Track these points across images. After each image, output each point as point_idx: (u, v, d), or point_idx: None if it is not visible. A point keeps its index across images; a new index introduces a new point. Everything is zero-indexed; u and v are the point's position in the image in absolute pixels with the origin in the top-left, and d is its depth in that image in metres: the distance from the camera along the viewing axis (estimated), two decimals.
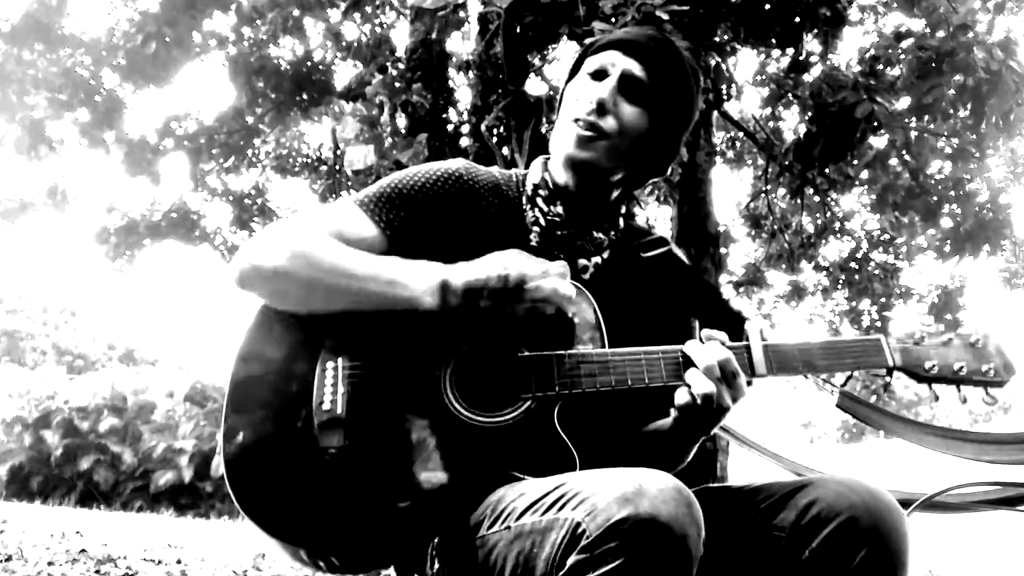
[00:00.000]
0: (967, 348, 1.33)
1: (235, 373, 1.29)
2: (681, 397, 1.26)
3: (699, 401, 1.24)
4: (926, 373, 1.32)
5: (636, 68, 1.42)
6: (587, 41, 1.51)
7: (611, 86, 1.41)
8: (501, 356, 1.29)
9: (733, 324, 1.36)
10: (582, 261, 1.47)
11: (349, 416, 1.23)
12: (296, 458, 1.21)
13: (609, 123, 1.40)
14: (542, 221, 1.46)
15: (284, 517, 1.19)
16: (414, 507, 1.17)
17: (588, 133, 1.39)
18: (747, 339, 1.32)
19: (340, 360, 1.27)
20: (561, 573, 0.99)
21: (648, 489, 0.97)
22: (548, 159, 1.52)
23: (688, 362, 1.28)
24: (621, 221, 1.53)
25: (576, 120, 1.41)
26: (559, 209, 1.46)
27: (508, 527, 1.10)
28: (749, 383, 1.28)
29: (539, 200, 1.47)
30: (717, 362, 1.24)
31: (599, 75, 1.44)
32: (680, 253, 1.59)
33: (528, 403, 1.26)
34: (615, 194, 1.51)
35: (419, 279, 1.26)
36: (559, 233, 1.46)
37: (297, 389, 1.26)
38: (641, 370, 1.28)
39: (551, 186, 1.48)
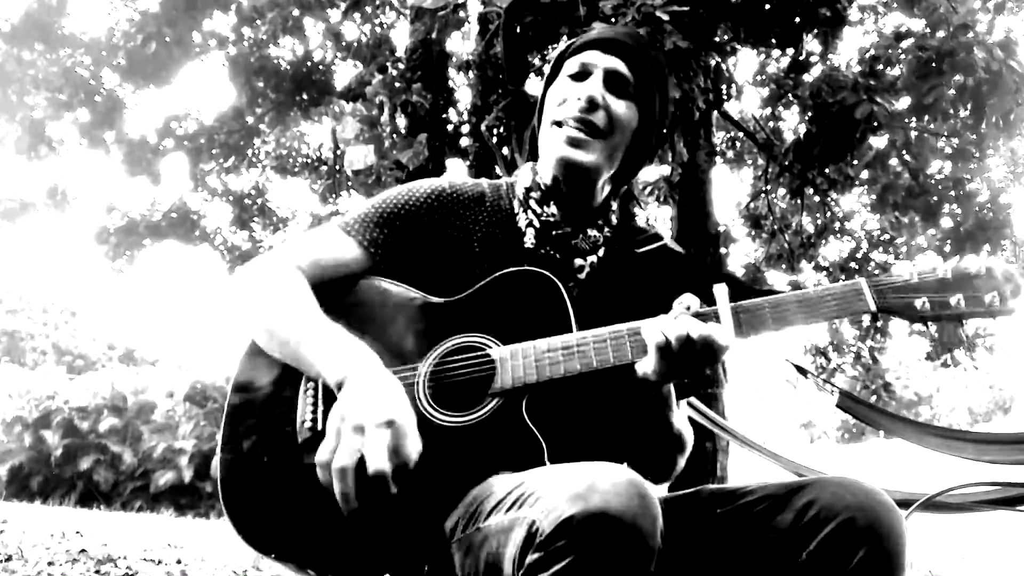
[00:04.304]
0: (965, 280, 1.24)
1: (230, 401, 1.35)
2: (639, 369, 1.26)
3: (654, 377, 1.24)
4: (918, 311, 1.24)
5: (619, 65, 1.44)
6: (561, 45, 1.53)
7: (598, 82, 1.43)
8: (471, 356, 1.31)
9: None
10: (578, 261, 1.47)
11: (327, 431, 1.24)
12: (284, 477, 1.25)
13: (601, 118, 1.42)
14: (536, 223, 1.47)
15: (276, 535, 1.24)
16: (396, 514, 1.18)
17: (581, 133, 1.40)
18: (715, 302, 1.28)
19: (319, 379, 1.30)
20: (520, 572, 0.99)
21: (599, 484, 0.96)
22: (535, 163, 1.53)
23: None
24: (614, 218, 1.54)
25: (563, 122, 1.42)
26: (553, 209, 1.47)
27: (478, 528, 1.11)
28: (721, 347, 1.22)
29: (532, 203, 1.48)
30: (668, 337, 1.21)
31: (581, 75, 1.45)
32: (676, 247, 1.59)
33: (497, 399, 1.27)
34: (607, 190, 1.51)
35: (334, 361, 1.23)
36: (554, 233, 1.46)
37: (283, 411, 1.30)
38: (606, 351, 1.27)
39: (542, 187, 1.48)
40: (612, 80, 1.44)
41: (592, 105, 1.41)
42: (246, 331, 1.38)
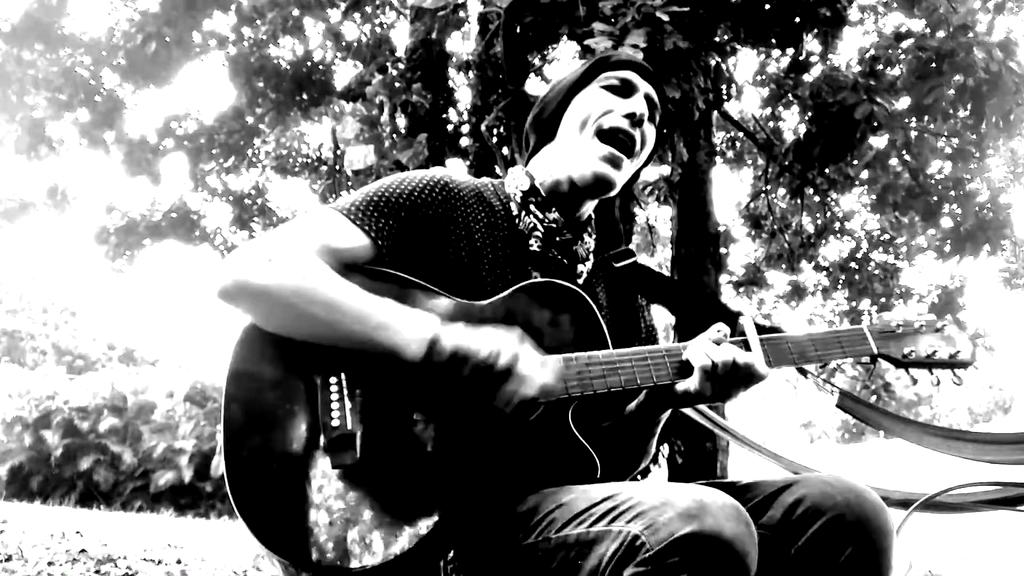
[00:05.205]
0: (937, 334, 1.44)
1: (227, 393, 1.21)
2: (680, 387, 1.33)
3: (693, 396, 1.32)
4: (904, 359, 1.41)
5: (652, 92, 1.50)
6: (595, 52, 1.56)
7: (643, 102, 1.47)
8: None
9: (726, 320, 1.39)
10: (579, 267, 1.49)
11: (359, 431, 1.18)
12: (308, 478, 1.16)
13: (639, 137, 1.46)
14: (540, 228, 1.46)
15: (299, 539, 1.12)
16: (433, 518, 1.14)
17: (620, 152, 1.43)
18: (742, 333, 1.37)
19: (342, 375, 1.22)
20: None
21: (710, 506, 0.99)
22: (528, 167, 1.53)
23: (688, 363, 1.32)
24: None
25: (606, 132, 1.43)
26: (555, 215, 1.47)
27: (547, 538, 1.10)
28: (760, 375, 1.31)
29: (532, 207, 1.47)
30: (715, 361, 1.29)
31: (623, 91, 1.47)
32: (645, 263, 1.65)
33: (543, 406, 1.26)
34: (595, 202, 1.53)
35: (411, 328, 1.21)
36: (558, 239, 1.47)
37: (298, 407, 1.20)
38: (648, 369, 1.31)
39: (543, 193, 1.48)
40: (649, 105, 1.49)
41: (639, 121, 1.45)
42: (260, 313, 1.24)
